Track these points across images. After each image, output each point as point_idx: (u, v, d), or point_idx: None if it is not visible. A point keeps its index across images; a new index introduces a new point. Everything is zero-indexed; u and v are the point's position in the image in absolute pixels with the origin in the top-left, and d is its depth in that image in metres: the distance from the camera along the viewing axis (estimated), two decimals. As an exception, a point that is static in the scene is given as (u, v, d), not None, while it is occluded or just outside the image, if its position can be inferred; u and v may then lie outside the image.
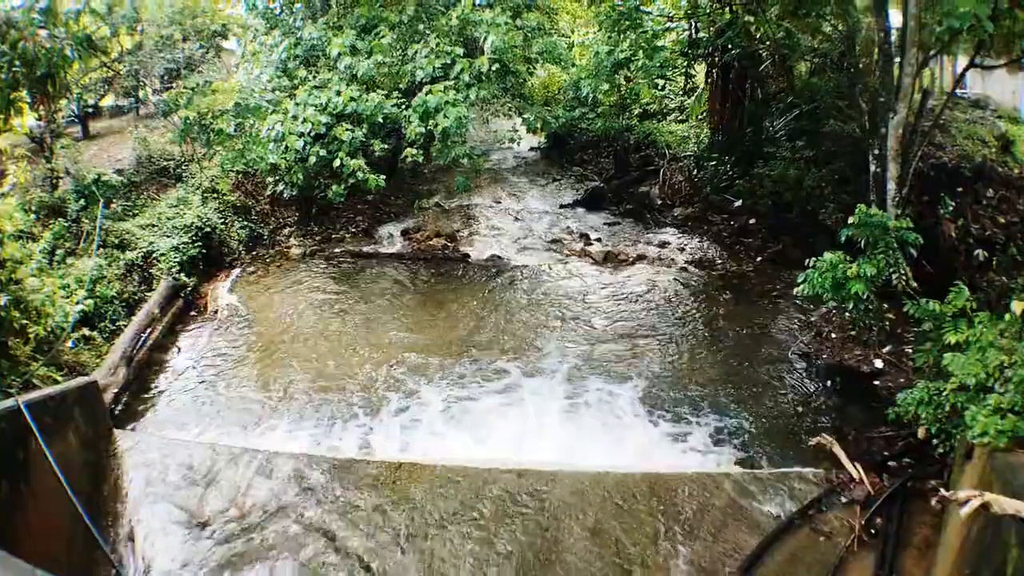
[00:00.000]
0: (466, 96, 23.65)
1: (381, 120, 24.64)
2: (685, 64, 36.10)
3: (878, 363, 17.40)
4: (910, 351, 16.42)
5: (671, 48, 32.80)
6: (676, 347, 19.30)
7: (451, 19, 24.65)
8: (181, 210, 24.51)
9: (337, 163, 23.80)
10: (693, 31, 33.31)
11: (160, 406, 17.06)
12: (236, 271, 24.74)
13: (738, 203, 28.79)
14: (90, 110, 32.81)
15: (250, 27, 29.41)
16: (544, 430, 15.64)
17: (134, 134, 28.18)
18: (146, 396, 17.44)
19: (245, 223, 27.22)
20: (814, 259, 15.67)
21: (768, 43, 26.95)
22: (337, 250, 26.79)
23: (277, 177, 26.14)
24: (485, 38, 23.61)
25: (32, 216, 20.54)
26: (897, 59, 18.78)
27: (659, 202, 32.03)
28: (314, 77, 25.56)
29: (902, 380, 16.14)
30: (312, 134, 23.66)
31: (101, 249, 20.95)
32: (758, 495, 12.76)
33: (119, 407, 16.57)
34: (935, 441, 12.65)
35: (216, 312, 21.51)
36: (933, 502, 10.57)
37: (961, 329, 12.58)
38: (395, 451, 14.85)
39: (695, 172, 32.30)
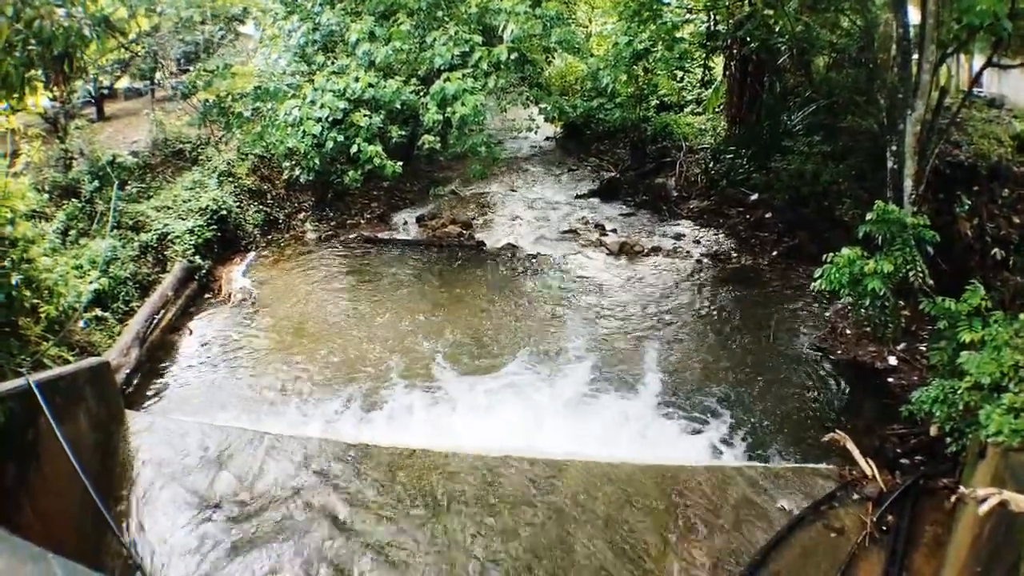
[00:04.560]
0: (484, 84, 23.61)
1: (399, 107, 24.62)
2: (703, 56, 36.35)
3: (892, 360, 17.41)
4: (924, 349, 16.46)
5: (690, 40, 32.82)
6: (689, 339, 19.33)
7: (470, 6, 24.49)
8: (197, 193, 24.56)
9: (354, 149, 23.80)
10: (712, 23, 33.35)
11: (172, 388, 17.08)
12: (251, 255, 24.85)
13: (754, 197, 28.76)
14: (105, 91, 32.75)
15: (269, 11, 29.32)
16: (554, 420, 15.62)
17: (150, 116, 28.15)
18: (158, 378, 17.46)
19: (260, 207, 27.26)
20: (832, 254, 15.61)
21: (787, 37, 26.91)
22: (352, 236, 26.82)
23: (294, 162, 26.20)
24: (504, 26, 23.46)
25: (45, 196, 20.71)
26: (915, 56, 18.66)
27: (675, 194, 31.91)
28: (332, 63, 25.52)
29: (916, 378, 16.17)
30: (330, 119, 23.64)
31: (115, 230, 20.99)
32: (770, 489, 12.77)
33: (131, 388, 16.60)
34: (948, 439, 12.65)
35: (230, 295, 21.49)
36: (951, 499, 10.59)
37: (976, 328, 12.61)
38: (407, 437, 14.70)
39: (711, 165, 32.26)
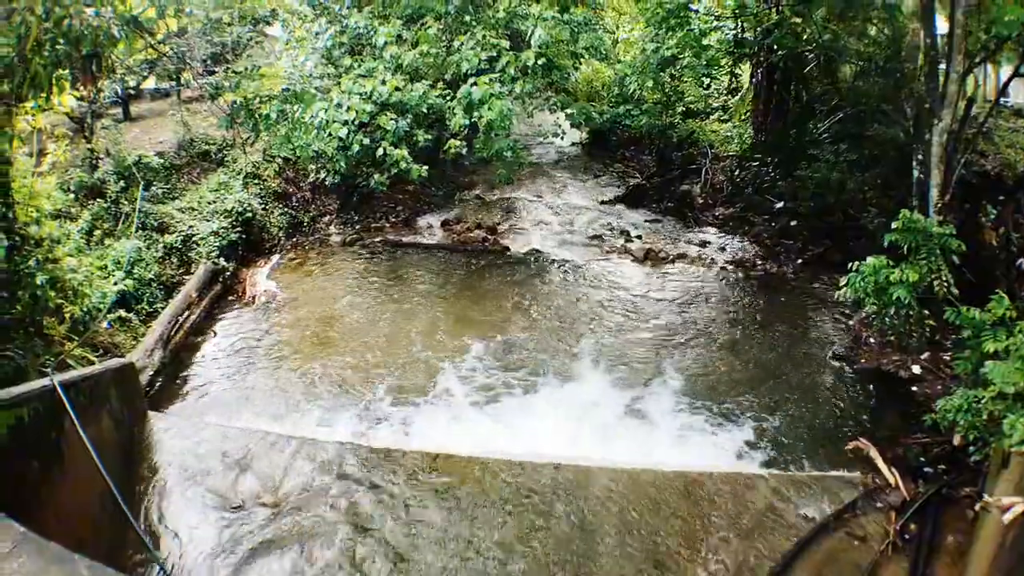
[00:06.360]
0: (511, 89, 23.60)
1: (425, 110, 24.60)
2: (730, 64, 36.28)
3: (916, 369, 17.35)
4: (948, 358, 16.44)
5: (717, 47, 32.80)
6: (714, 346, 19.32)
7: (498, 11, 24.64)
8: (222, 195, 24.68)
9: (380, 152, 23.78)
10: (739, 31, 33.22)
11: (195, 390, 17.10)
12: (275, 257, 24.91)
13: (780, 204, 28.77)
14: (132, 92, 32.76)
15: (296, 13, 29.39)
16: (576, 427, 15.57)
17: (176, 117, 28.33)
18: (181, 379, 17.50)
19: (285, 210, 27.35)
20: (857, 263, 15.62)
21: (814, 45, 26.94)
22: (377, 239, 26.86)
23: (320, 164, 26.36)
24: (532, 32, 23.49)
25: (71, 196, 20.85)
26: (942, 65, 18.63)
27: (700, 201, 31.82)
28: (359, 66, 25.50)
29: (939, 387, 16.15)
30: (356, 122, 23.59)
31: (140, 231, 21.12)
32: (794, 497, 12.80)
33: (154, 390, 16.62)
34: (971, 448, 12.67)
35: (254, 298, 21.60)
36: (976, 507, 10.67)
37: (1000, 338, 12.51)
38: (430, 446, 14.61)
39: (737, 172, 32.31)
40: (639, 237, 27.68)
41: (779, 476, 13.51)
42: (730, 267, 24.86)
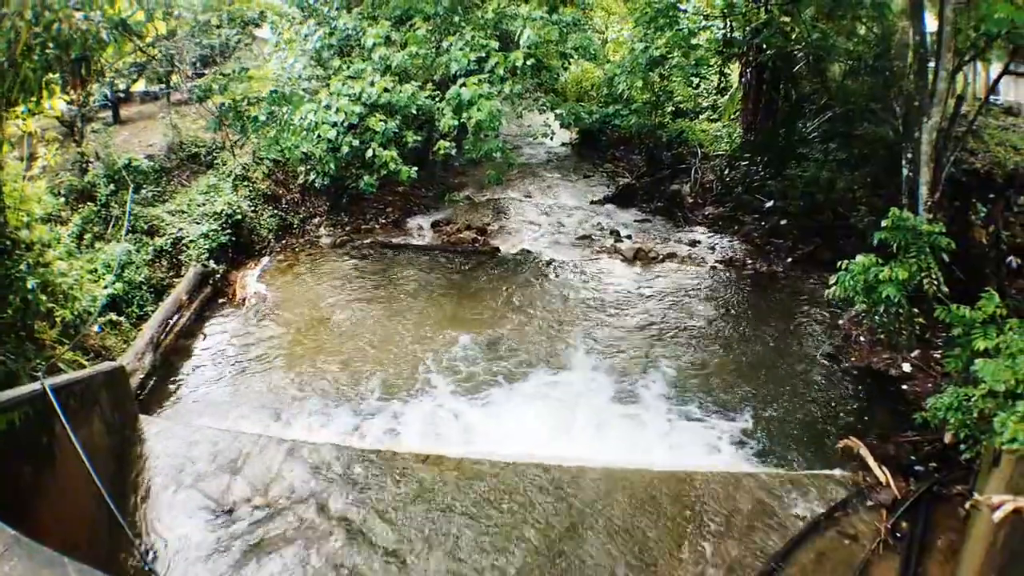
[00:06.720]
0: (500, 90, 23.53)
1: (414, 112, 24.52)
2: (719, 63, 36.28)
3: (906, 367, 17.35)
4: (939, 356, 16.42)
5: (706, 47, 32.84)
6: (703, 345, 19.30)
7: (487, 12, 24.58)
8: (211, 197, 24.61)
9: (369, 153, 23.71)
10: (728, 30, 33.23)
11: (186, 392, 17.10)
12: (265, 259, 24.81)
13: (770, 203, 28.74)
14: (121, 95, 32.70)
15: (285, 15, 29.34)
16: (565, 424, 15.65)
17: (165, 120, 28.24)
18: (172, 382, 17.49)
19: (275, 212, 27.23)
20: (846, 261, 15.56)
21: (803, 44, 26.97)
22: (367, 241, 26.78)
23: (309, 166, 26.26)
24: (521, 32, 23.49)
25: (61, 200, 20.80)
26: (932, 63, 18.59)
27: (690, 201, 31.82)
28: (348, 67, 25.42)
29: (930, 385, 16.15)
30: (345, 124, 23.49)
31: (130, 234, 21.10)
32: (784, 496, 12.77)
33: (145, 393, 16.60)
34: (962, 447, 12.61)
35: (244, 300, 21.54)
36: (967, 506, 10.66)
37: (991, 335, 12.51)
38: (421, 446, 14.70)
39: (727, 171, 32.36)
40: (629, 237, 27.73)
41: (769, 474, 13.50)
42: (720, 266, 24.89)
